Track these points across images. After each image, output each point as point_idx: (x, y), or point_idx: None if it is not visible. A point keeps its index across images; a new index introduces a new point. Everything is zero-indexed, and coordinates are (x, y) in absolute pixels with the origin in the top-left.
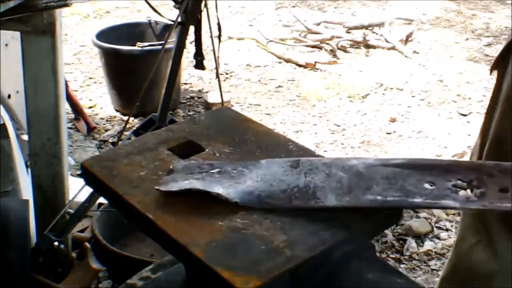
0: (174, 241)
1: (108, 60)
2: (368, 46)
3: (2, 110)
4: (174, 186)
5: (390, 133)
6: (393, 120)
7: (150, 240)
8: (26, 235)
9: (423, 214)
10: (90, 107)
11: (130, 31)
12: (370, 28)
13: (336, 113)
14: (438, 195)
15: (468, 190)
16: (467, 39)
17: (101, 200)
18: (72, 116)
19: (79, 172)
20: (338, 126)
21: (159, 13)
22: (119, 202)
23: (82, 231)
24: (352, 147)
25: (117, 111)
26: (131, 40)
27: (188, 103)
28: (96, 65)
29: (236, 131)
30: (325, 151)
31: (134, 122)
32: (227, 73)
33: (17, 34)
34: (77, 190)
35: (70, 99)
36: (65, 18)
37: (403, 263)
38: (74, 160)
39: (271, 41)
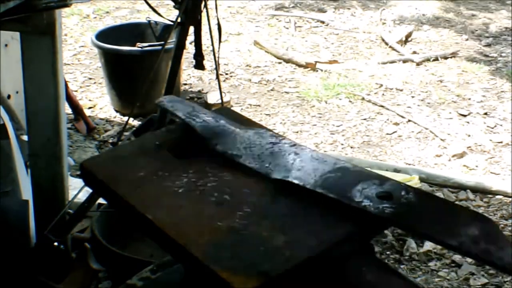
0: (173, 241)
1: (108, 61)
2: None
3: (2, 110)
4: None
5: (390, 134)
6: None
7: (149, 240)
8: (26, 235)
9: None
10: (89, 108)
11: (130, 32)
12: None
13: (336, 113)
14: None
15: None
16: (467, 39)
17: (101, 200)
18: (72, 116)
19: (78, 172)
20: (338, 126)
21: (159, 14)
22: (118, 203)
23: (82, 231)
24: (352, 148)
25: (116, 111)
26: (131, 40)
27: None
28: (95, 65)
29: None
30: (325, 151)
31: (134, 123)
32: (227, 74)
33: (17, 34)
34: (77, 190)
35: (69, 99)
36: (65, 18)
37: (403, 264)
38: (73, 160)
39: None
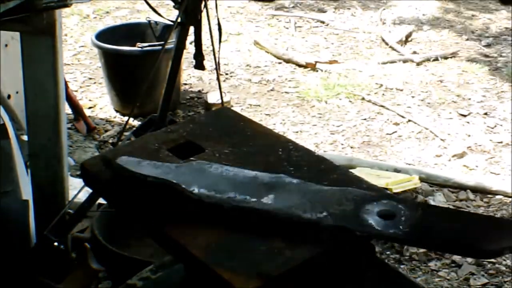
0: (174, 242)
1: (108, 61)
2: None
3: (2, 110)
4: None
5: (390, 134)
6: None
7: (149, 240)
8: (26, 235)
9: None
10: (89, 108)
11: (130, 32)
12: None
13: (336, 113)
14: None
15: None
16: (467, 39)
17: (101, 200)
18: (72, 116)
19: (78, 172)
20: (338, 126)
21: (159, 14)
22: (119, 203)
23: (82, 231)
24: (352, 148)
25: (116, 111)
26: (131, 40)
27: (188, 104)
28: (95, 65)
29: (236, 131)
30: (325, 151)
31: (134, 123)
32: (227, 74)
33: (17, 34)
34: (77, 190)
35: (69, 99)
36: (65, 19)
37: (403, 264)
38: (74, 160)
39: None
